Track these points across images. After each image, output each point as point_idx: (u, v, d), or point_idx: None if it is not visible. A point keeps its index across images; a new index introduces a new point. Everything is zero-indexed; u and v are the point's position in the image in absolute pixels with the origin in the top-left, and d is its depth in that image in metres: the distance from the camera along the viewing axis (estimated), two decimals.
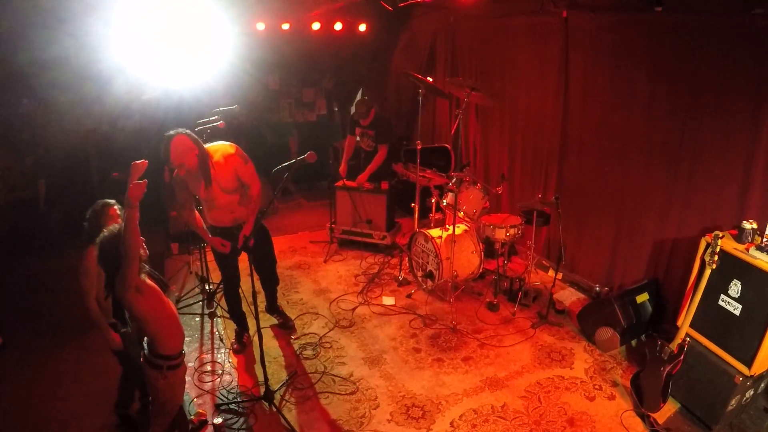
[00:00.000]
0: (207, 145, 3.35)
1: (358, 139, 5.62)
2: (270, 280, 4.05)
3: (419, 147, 4.65)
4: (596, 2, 4.19)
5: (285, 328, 4.13)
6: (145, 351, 2.50)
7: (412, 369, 3.66)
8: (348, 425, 3.13)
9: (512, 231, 4.40)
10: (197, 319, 4.28)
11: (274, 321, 4.19)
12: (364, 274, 5.08)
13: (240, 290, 3.79)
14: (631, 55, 3.95)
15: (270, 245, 3.94)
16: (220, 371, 3.63)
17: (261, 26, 6.12)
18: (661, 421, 3.12)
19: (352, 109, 6.25)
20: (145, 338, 2.49)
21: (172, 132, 3.11)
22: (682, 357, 2.96)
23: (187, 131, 3.18)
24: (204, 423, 3.04)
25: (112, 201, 2.87)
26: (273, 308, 4.16)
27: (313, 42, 6.89)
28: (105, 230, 2.37)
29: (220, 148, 3.39)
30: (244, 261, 3.31)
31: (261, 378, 3.31)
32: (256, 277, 3.32)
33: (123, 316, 2.70)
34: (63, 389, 3.44)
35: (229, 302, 3.86)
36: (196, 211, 3.52)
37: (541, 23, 4.72)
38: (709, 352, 3.05)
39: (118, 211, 2.83)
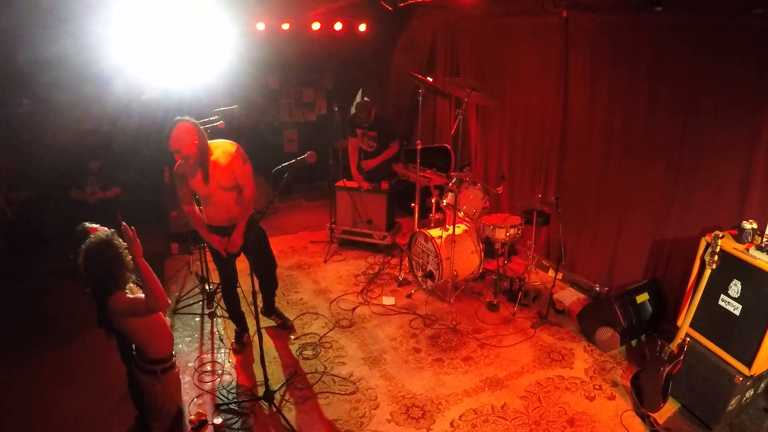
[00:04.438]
0: (209, 142, 3.36)
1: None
2: (269, 282, 4.02)
3: (419, 147, 4.65)
4: (596, 2, 4.19)
5: (285, 328, 4.12)
6: (136, 358, 2.50)
7: (412, 369, 3.65)
8: (348, 425, 3.12)
9: (512, 231, 4.40)
10: (197, 319, 4.28)
11: (274, 322, 4.18)
12: (364, 274, 5.08)
13: (239, 290, 3.79)
14: (631, 55, 3.95)
15: (267, 247, 3.90)
16: (220, 371, 3.63)
17: (261, 26, 6.12)
18: (661, 421, 3.12)
19: (352, 110, 6.21)
20: (134, 346, 2.49)
21: (179, 118, 3.14)
22: (682, 357, 2.96)
23: (195, 121, 3.19)
24: (204, 423, 3.03)
25: (86, 223, 2.68)
26: (271, 310, 4.14)
27: (313, 42, 6.88)
28: (91, 236, 2.37)
29: (221, 145, 3.40)
30: (243, 261, 3.31)
31: (261, 378, 3.31)
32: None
33: (109, 324, 2.65)
34: (62, 389, 3.43)
35: (228, 302, 3.86)
36: (197, 207, 3.52)
37: (541, 23, 4.72)
38: (709, 352, 3.05)
39: (97, 227, 2.68)
